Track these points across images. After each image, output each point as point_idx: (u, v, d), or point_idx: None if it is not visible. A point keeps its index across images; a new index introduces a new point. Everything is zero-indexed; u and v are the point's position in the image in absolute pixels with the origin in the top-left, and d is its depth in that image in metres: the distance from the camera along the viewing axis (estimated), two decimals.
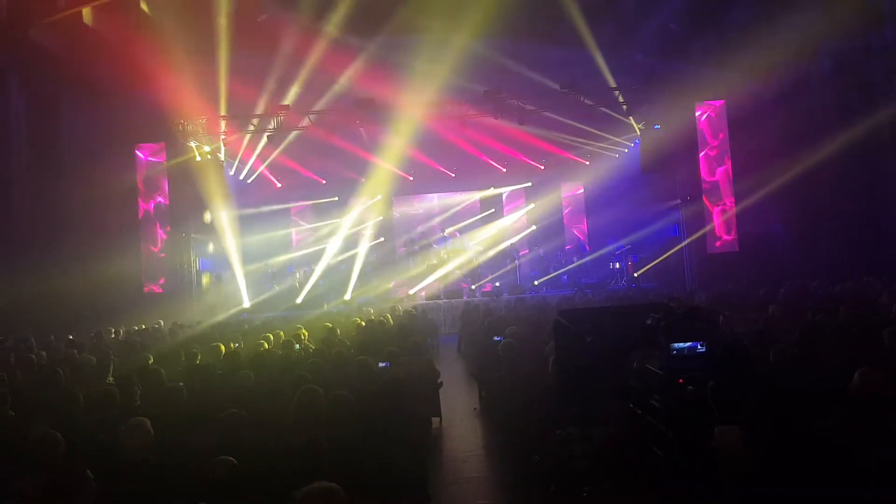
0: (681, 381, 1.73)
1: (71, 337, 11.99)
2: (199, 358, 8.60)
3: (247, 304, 18.67)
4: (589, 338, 2.00)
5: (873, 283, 11.39)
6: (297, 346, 9.64)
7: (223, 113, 17.55)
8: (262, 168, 20.82)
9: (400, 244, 23.37)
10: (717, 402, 1.72)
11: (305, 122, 17.73)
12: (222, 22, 15.05)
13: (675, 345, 1.76)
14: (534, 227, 23.92)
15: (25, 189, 15.63)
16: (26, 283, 14.05)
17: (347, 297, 19.63)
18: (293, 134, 18.51)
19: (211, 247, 18.73)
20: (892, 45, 15.04)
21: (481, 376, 9.71)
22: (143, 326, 13.61)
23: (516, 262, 21.43)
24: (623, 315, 2.09)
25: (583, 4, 14.53)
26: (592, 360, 1.99)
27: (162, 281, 17.50)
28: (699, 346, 1.75)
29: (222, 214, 18.48)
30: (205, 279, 19.01)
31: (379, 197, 23.26)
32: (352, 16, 14.78)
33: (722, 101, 17.69)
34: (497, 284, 20.54)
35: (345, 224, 22.46)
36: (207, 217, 18.10)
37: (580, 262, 22.25)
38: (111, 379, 7.65)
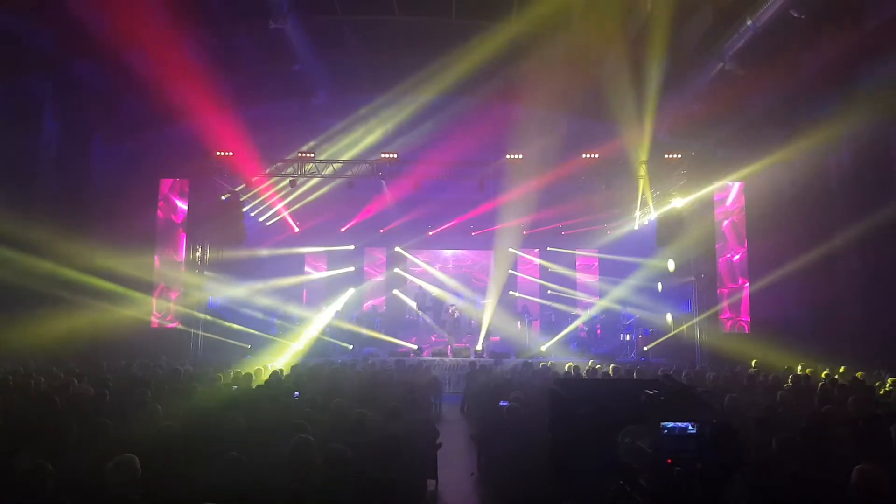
0: (669, 461, 1.70)
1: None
2: (198, 396, 8.55)
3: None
4: (581, 410, 1.98)
5: (884, 375, 11.21)
6: (297, 392, 9.55)
7: (248, 155, 17.86)
8: (274, 207, 20.84)
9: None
10: (705, 484, 1.68)
11: (328, 170, 18.01)
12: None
13: (666, 424, 1.74)
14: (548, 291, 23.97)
15: (48, 217, 15.85)
16: (40, 311, 14.14)
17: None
18: (314, 181, 18.82)
19: (222, 287, 18.75)
20: None
21: (482, 440, 9.53)
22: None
23: (526, 323, 21.30)
24: (619, 389, 2.07)
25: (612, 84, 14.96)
26: (585, 433, 1.96)
27: (170, 318, 17.45)
28: (689, 427, 1.73)
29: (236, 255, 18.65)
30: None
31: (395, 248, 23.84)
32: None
33: (741, 183, 17.80)
34: (488, 341, 20.37)
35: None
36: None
37: (590, 329, 22.18)
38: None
